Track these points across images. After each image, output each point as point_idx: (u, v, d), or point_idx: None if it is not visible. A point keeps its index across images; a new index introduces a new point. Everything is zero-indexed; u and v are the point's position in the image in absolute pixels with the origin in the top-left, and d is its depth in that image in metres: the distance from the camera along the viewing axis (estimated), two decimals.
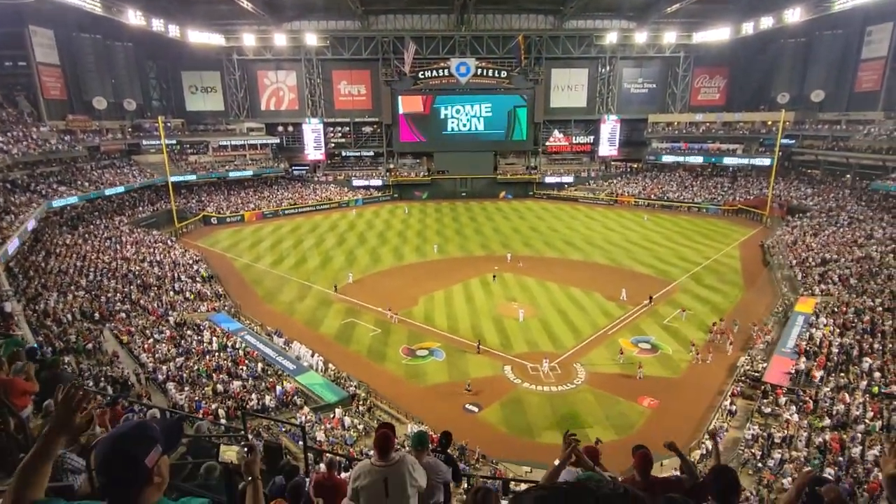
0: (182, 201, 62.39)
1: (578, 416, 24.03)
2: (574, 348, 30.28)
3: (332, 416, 23.92)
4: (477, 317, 34.63)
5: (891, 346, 26.02)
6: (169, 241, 49.03)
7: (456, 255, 49.04)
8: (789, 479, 18.47)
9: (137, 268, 39.63)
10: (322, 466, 8.21)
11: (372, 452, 4.57)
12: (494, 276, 41.64)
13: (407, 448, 5.90)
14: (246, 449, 2.83)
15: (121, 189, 56.20)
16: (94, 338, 28.25)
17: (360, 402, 25.41)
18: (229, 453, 3.06)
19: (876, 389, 22.86)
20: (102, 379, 23.41)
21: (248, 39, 69.98)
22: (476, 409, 24.85)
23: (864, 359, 25.16)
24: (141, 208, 58.64)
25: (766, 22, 62.11)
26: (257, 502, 2.56)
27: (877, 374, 23.87)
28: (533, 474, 18.99)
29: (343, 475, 7.25)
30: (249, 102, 75.72)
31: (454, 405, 25.19)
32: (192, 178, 66.17)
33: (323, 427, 22.77)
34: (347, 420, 23.54)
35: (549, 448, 20.77)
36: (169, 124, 66.40)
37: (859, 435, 20.54)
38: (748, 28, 65.44)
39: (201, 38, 65.92)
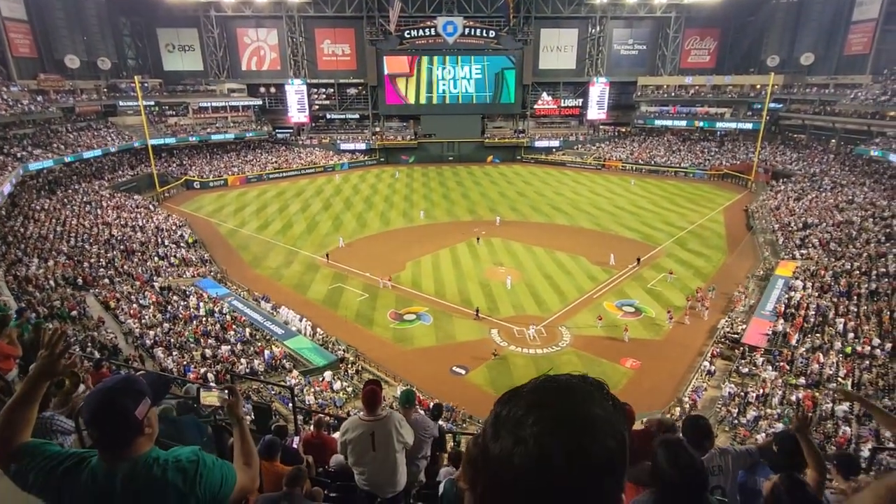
0: (163, 165, 60.95)
1: None
2: (560, 312, 30.75)
3: (321, 379, 24.25)
4: (464, 281, 34.88)
5: (865, 307, 26.85)
6: (151, 206, 48.17)
7: (443, 220, 48.91)
8: (763, 435, 19.29)
9: (119, 233, 38.98)
10: (311, 427, 8.36)
11: (361, 410, 4.64)
12: (479, 239, 42.03)
13: (395, 407, 6.01)
14: (227, 391, 2.84)
15: (98, 152, 54.55)
16: (79, 303, 27.99)
17: (349, 366, 25.76)
18: (210, 398, 3.07)
19: (849, 350, 23.70)
20: (90, 344, 23.34)
21: None
22: (463, 372, 25.35)
23: (838, 320, 25.97)
24: (121, 172, 57.20)
25: None
26: (245, 442, 2.59)
27: (850, 335, 24.70)
28: None
29: (335, 434, 7.41)
30: (229, 62, 73.18)
31: (441, 367, 25.66)
32: (172, 141, 64.31)
33: (312, 390, 23.12)
34: (337, 383, 23.89)
35: None
36: (146, 84, 64.11)
37: (831, 392, 21.42)
38: None
39: None
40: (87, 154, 52.82)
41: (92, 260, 33.62)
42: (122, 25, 67.51)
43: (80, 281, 30.85)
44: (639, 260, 37.41)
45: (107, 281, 31.58)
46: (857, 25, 60.28)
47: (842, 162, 53.88)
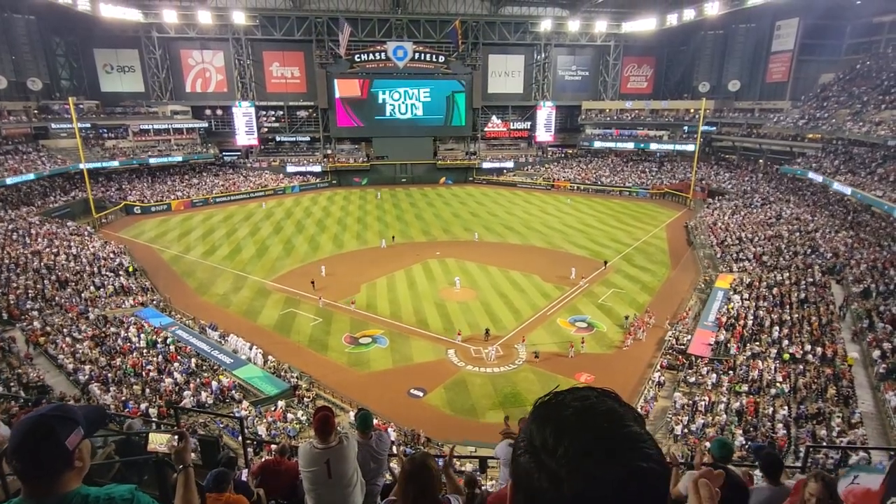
0: (100, 190, 57.95)
1: (520, 395, 24.76)
2: (515, 329, 31.05)
3: (273, 408, 23.33)
4: (419, 302, 34.70)
5: (796, 315, 28.61)
6: (86, 233, 45.52)
7: (398, 242, 48.69)
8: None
9: (51, 262, 36.55)
10: (267, 455, 8.00)
11: (314, 439, 4.49)
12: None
13: (351, 431, 5.84)
14: (177, 437, 2.70)
15: (28, 177, 51.27)
16: (3, 338, 25.88)
17: (304, 392, 24.93)
18: (159, 441, 2.89)
19: (787, 356, 25.08)
20: (14, 383, 21.57)
21: (169, 16, 65.26)
22: (421, 394, 25.04)
23: (773, 328, 27.51)
24: (52, 198, 53.89)
25: (689, 14, 65.54)
26: (189, 491, 2.46)
27: (785, 342, 26.18)
28: (478, 454, 19.41)
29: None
30: (173, 83, 70.98)
31: (399, 391, 25.26)
32: (111, 164, 61.36)
33: (265, 420, 22.19)
34: (290, 414, 23.04)
35: (493, 427, 21.24)
36: (81, 106, 61.17)
37: (770, 398, 22.52)
38: (672, 19, 68.74)
39: (115, 12, 60.76)
40: (12, 180, 49.45)
41: (19, 291, 31.29)
42: (55, 45, 64.30)
43: (4, 315, 28.60)
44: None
45: (35, 313, 29.42)
46: (776, 56, 65.56)
47: (769, 180, 57.84)
